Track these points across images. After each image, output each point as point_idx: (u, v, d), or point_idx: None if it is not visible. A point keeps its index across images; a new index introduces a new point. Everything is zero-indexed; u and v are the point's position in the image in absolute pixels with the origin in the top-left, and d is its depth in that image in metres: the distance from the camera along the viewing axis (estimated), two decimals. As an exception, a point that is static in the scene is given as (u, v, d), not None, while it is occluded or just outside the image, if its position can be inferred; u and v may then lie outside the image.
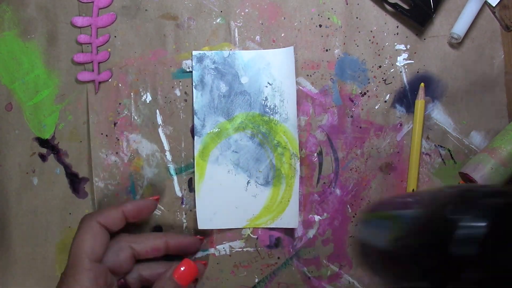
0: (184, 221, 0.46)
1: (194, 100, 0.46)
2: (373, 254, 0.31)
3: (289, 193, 0.45)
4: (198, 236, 0.45)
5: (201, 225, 0.45)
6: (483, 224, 0.24)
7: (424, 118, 0.46)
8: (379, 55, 0.46)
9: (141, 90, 0.46)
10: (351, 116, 0.46)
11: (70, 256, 0.38)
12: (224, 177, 0.46)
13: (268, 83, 0.46)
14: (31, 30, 0.46)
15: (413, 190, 0.45)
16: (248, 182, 0.46)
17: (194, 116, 0.46)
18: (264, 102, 0.46)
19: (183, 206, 0.46)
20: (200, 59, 0.46)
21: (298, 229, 0.46)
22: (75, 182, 0.46)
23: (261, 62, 0.46)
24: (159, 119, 0.46)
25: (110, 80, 0.46)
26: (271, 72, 0.46)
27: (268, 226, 0.46)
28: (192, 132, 0.46)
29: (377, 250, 0.30)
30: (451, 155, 0.46)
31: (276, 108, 0.46)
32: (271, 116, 0.46)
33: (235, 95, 0.46)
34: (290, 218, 0.46)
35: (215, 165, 0.46)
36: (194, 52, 0.46)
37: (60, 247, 0.46)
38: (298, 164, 0.46)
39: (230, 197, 0.46)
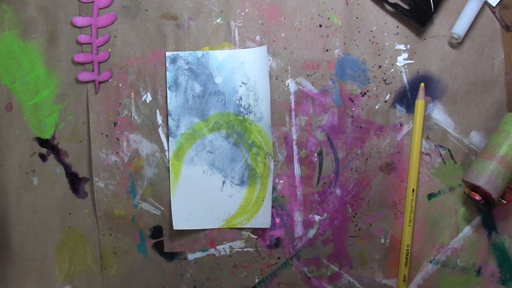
0: (184, 221, 0.46)
1: (168, 101, 0.46)
2: None
3: (263, 192, 0.45)
4: None
5: (176, 226, 0.45)
6: None
7: (424, 118, 0.46)
8: (379, 55, 0.46)
9: (141, 90, 0.46)
10: (351, 116, 0.46)
11: None
12: (200, 178, 0.45)
13: (242, 82, 0.45)
14: (31, 30, 0.46)
15: (413, 190, 0.45)
16: (223, 182, 0.45)
17: (168, 117, 0.45)
18: (239, 102, 0.45)
19: (183, 206, 0.46)
20: (174, 60, 0.46)
21: (298, 229, 0.46)
22: (75, 182, 0.46)
23: (235, 62, 0.46)
24: (159, 119, 0.46)
25: (110, 80, 0.46)
26: (245, 71, 0.46)
27: (243, 226, 0.46)
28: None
29: None
30: (451, 155, 0.46)
31: (250, 107, 0.45)
32: (246, 116, 0.45)
33: (210, 95, 0.46)
34: (264, 218, 0.45)
35: (190, 166, 0.45)
36: (168, 53, 0.46)
37: (59, 247, 0.46)
38: (272, 163, 0.45)
39: (206, 197, 0.45)
